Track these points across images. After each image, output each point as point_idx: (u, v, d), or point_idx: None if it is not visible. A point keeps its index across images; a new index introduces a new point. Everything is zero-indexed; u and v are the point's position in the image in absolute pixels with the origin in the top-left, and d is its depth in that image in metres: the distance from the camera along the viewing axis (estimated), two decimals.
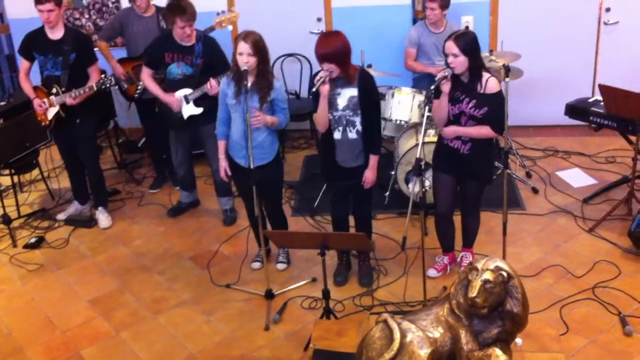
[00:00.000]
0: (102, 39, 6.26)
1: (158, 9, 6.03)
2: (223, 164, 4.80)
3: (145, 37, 5.96)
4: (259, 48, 4.39)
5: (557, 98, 6.32)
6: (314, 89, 4.31)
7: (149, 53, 5.52)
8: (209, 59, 5.31)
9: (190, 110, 5.42)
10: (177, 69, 5.37)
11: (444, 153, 4.55)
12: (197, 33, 5.33)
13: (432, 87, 4.26)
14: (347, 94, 4.40)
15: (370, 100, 4.45)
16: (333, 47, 4.22)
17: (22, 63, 5.56)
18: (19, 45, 5.53)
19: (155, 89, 5.49)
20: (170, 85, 5.44)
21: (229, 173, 4.83)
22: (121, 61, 6.18)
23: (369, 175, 4.56)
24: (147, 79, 5.51)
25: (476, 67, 4.27)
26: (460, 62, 4.21)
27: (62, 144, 5.82)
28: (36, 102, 5.49)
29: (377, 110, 4.59)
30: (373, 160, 4.54)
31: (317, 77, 4.28)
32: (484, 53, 5.47)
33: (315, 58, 4.31)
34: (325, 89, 4.29)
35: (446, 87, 4.27)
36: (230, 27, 5.55)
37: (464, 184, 4.60)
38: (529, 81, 6.63)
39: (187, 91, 5.37)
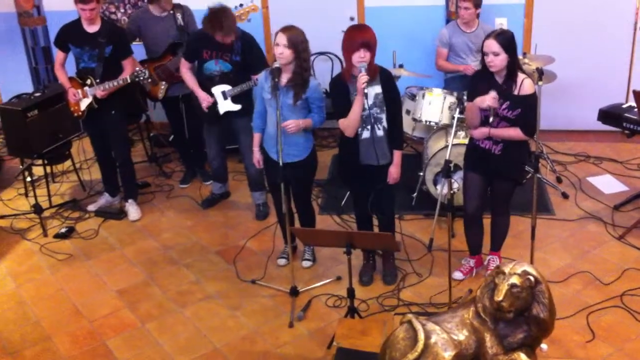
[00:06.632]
0: None
1: (175, 7, 6.03)
2: (257, 156, 4.87)
3: (165, 37, 6.01)
4: (295, 42, 4.41)
5: (590, 103, 6.25)
6: (365, 90, 4.26)
7: (188, 47, 5.58)
8: (248, 56, 5.33)
9: (227, 106, 5.45)
10: (214, 66, 5.39)
11: (475, 153, 4.53)
12: (237, 30, 5.34)
13: (490, 112, 4.27)
14: (373, 92, 4.41)
15: (393, 96, 4.49)
16: (370, 34, 4.28)
17: (58, 54, 5.64)
18: (55, 37, 5.62)
19: (192, 82, 5.53)
20: (206, 81, 5.47)
21: (261, 166, 4.89)
22: (142, 63, 6.16)
23: (394, 171, 4.57)
24: (185, 71, 5.55)
25: (513, 66, 4.24)
26: (500, 60, 4.19)
27: (94, 135, 5.89)
28: (71, 92, 5.56)
29: (399, 104, 4.61)
30: (397, 156, 4.56)
31: (363, 81, 4.24)
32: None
33: (350, 47, 4.28)
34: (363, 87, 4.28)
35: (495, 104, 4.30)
36: (249, 20, 5.53)
37: (495, 184, 4.57)
38: (563, 85, 6.56)
39: (225, 87, 5.41)
